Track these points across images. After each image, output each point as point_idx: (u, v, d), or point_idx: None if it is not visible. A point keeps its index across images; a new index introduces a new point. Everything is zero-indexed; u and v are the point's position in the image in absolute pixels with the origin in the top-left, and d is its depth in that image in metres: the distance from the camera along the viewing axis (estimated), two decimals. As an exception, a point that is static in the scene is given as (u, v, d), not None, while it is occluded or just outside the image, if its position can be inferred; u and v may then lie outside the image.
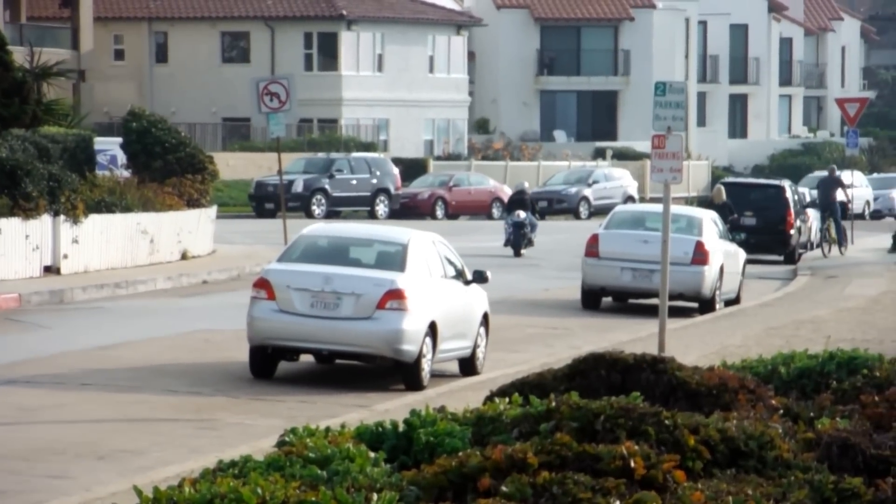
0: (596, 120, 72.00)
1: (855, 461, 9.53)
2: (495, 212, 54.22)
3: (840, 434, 9.73)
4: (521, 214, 36.69)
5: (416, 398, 15.50)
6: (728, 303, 26.39)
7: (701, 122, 75.57)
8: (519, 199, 37.86)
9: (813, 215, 39.13)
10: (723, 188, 33.63)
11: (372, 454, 9.45)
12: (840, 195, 37.16)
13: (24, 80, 27.13)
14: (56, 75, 31.95)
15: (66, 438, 13.41)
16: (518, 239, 36.28)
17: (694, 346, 19.67)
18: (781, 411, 10.81)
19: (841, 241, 36.98)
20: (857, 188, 39.76)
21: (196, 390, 16.12)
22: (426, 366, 16.94)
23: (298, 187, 50.26)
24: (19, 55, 31.59)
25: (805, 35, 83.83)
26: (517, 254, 36.01)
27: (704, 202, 38.23)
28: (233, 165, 53.35)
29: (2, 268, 24.58)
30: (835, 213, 36.89)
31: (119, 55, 63.53)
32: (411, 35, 64.39)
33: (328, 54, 62.62)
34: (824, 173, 41.40)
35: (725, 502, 8.55)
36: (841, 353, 12.91)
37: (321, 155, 53.44)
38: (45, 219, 25.48)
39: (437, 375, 17.45)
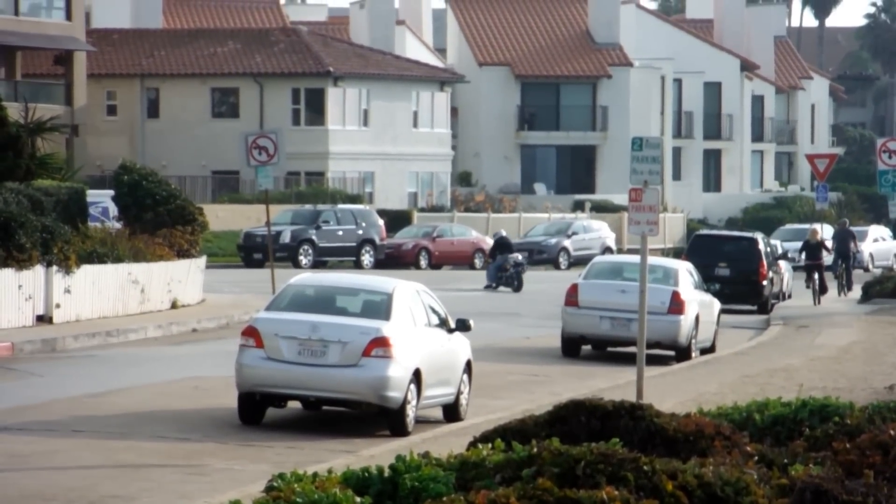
0: (575, 173, 72.63)
1: (828, 507, 9.62)
2: (477, 262, 54.64)
3: (813, 480, 9.83)
4: (519, 256, 39.51)
5: (401, 444, 15.70)
6: (704, 351, 26.77)
7: (676, 175, 76.32)
8: (506, 244, 40.03)
9: (784, 266, 39.84)
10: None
11: (358, 499, 9.58)
12: (852, 246, 39.40)
13: (18, 134, 27.48)
14: (50, 130, 32.37)
15: (57, 485, 13.51)
16: (518, 277, 39.51)
17: (671, 393, 19.94)
18: (756, 458, 10.96)
19: (823, 289, 38.07)
20: (828, 241, 40.85)
21: (185, 436, 16.28)
22: (411, 412, 17.19)
23: (286, 238, 50.63)
24: (14, 111, 32.03)
25: (776, 93, 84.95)
26: (519, 289, 39.08)
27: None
28: (222, 217, 53.70)
29: (-5, 317, 24.92)
30: (847, 259, 38.73)
31: (112, 110, 64.02)
32: (396, 91, 65.01)
33: (315, 109, 63.19)
34: (798, 226, 42.46)
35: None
36: (813, 400, 13.08)
37: (308, 207, 53.82)
38: (38, 269, 25.72)
39: (422, 421, 17.69)
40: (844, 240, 39.60)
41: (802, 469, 10.61)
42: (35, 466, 14.47)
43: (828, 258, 39.61)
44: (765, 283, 36.59)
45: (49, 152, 32.30)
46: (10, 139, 26.73)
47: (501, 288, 41.01)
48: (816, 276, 37.87)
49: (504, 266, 40.89)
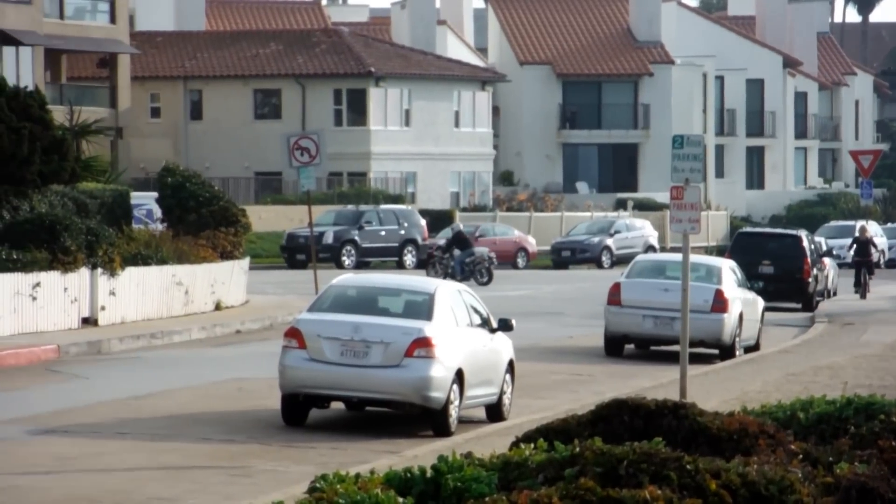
0: (617, 172, 72.49)
1: (874, 505, 9.61)
2: (520, 261, 54.68)
3: (859, 478, 9.81)
4: (486, 251, 41.11)
5: (443, 444, 15.71)
6: (748, 349, 26.66)
7: (719, 173, 76.10)
8: (464, 238, 40.91)
9: (829, 264, 39.66)
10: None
11: (401, 500, 9.58)
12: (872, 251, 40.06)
13: (63, 137, 27.69)
14: (94, 133, 32.68)
15: (103, 487, 13.59)
16: (490, 272, 40.43)
17: (715, 392, 19.89)
18: (801, 456, 10.92)
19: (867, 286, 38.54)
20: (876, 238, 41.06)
21: (230, 438, 16.35)
22: (453, 412, 17.21)
23: (329, 239, 50.77)
24: (59, 114, 32.32)
25: (819, 89, 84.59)
26: (488, 283, 39.85)
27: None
28: (265, 218, 53.93)
29: (41, 320, 25.01)
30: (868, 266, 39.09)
31: (155, 113, 64.39)
32: (437, 91, 65.06)
33: (357, 110, 63.32)
34: (842, 223, 42.65)
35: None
36: (858, 398, 13.02)
37: (350, 207, 53.96)
38: (84, 272, 25.88)
39: (465, 421, 17.72)
40: (865, 246, 39.54)
41: (848, 467, 10.57)
42: (81, 468, 14.55)
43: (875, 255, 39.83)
44: (809, 280, 36.42)
45: (94, 155, 32.57)
46: (55, 142, 26.95)
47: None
48: (865, 272, 37.81)
49: (475, 260, 41.61)
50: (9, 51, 56.03)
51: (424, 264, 43.32)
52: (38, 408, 18.13)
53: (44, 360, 22.84)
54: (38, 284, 24.86)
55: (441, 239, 43.42)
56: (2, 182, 27.00)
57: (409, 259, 52.10)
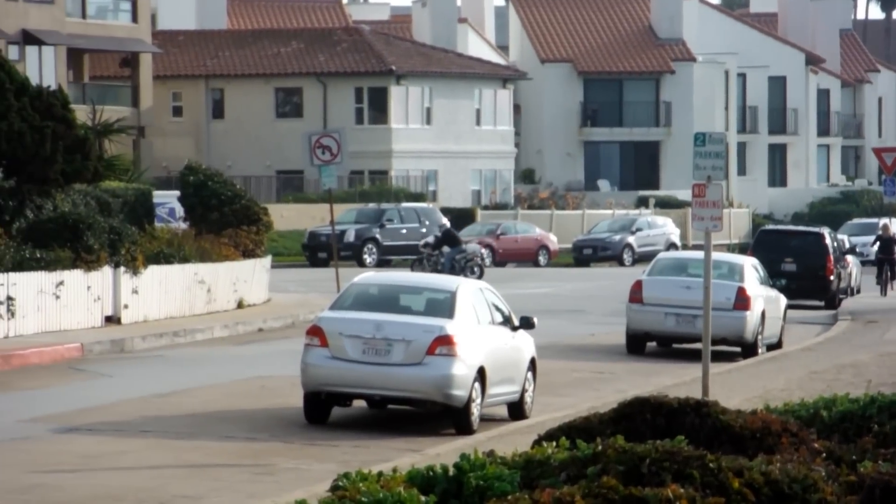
0: (638, 169, 72.43)
1: (898, 504, 9.58)
2: (541, 259, 54.68)
3: (883, 477, 9.74)
4: (477, 247, 41.42)
5: (466, 442, 15.75)
6: (770, 347, 26.61)
7: (741, 170, 75.97)
8: (453, 235, 41.15)
9: (852, 261, 39.55)
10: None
11: (423, 498, 9.59)
12: None
13: (86, 136, 27.78)
14: (117, 132, 32.82)
15: (127, 485, 13.64)
16: (482, 269, 40.39)
17: (737, 390, 19.87)
18: (824, 454, 10.92)
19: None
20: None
21: (252, 436, 16.38)
22: (475, 410, 17.23)
23: (350, 237, 50.84)
24: (82, 113, 32.44)
25: (842, 87, 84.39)
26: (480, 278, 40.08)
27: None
28: (286, 216, 54.05)
29: (65, 318, 25.09)
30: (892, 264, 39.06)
31: (177, 111, 64.58)
32: (459, 89, 65.09)
33: (378, 108, 63.40)
34: (865, 220, 42.51)
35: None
36: (882, 397, 12.99)
37: (372, 205, 54.04)
38: (106, 270, 25.97)
39: (487, 419, 17.73)
40: (888, 243, 39.51)
41: (871, 466, 10.55)
42: (105, 467, 14.61)
43: None
44: (832, 277, 36.34)
45: (116, 154, 32.68)
46: (78, 141, 27.05)
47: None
48: (888, 269, 37.73)
49: (466, 257, 41.86)
50: (32, 50, 56.27)
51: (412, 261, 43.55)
52: (62, 406, 18.20)
53: (67, 358, 22.93)
54: (61, 283, 24.96)
55: (430, 237, 43.70)
56: (25, 181, 27.13)
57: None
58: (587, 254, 56.64)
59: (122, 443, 15.83)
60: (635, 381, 22.00)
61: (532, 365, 18.65)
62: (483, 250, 43.18)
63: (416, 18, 72.41)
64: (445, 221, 45.21)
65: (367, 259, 50.95)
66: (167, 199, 38.05)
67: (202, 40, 66.04)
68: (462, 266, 41.12)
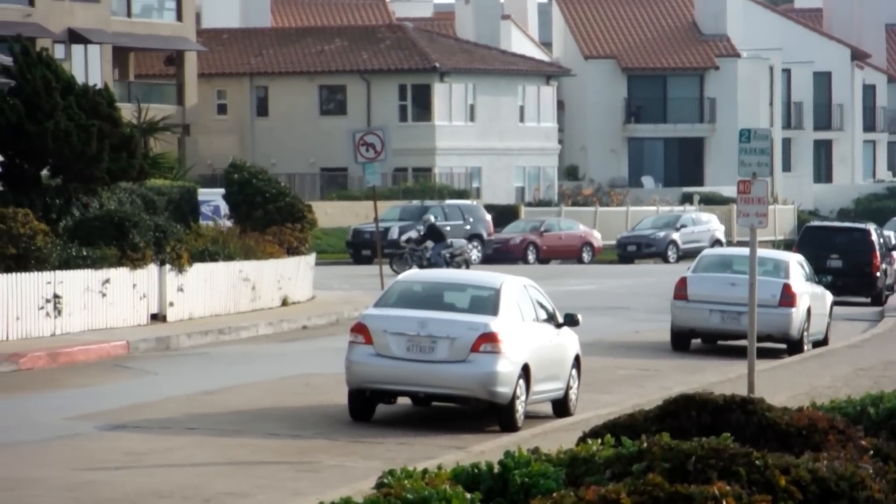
0: (683, 166, 72.19)
1: (946, 500, 9.51)
2: (585, 256, 54.60)
3: None
4: (464, 242, 41.81)
5: (510, 439, 15.78)
6: (816, 344, 26.50)
7: (786, 167, 75.60)
8: (437, 231, 41.19)
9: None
10: None
11: (468, 495, 9.58)
12: None
13: (131, 135, 27.96)
14: (162, 130, 33.02)
15: (172, 482, 13.69)
16: (468, 263, 40.57)
17: (783, 386, 19.80)
18: (871, 452, 10.84)
19: None
20: None
21: (297, 433, 16.42)
22: (520, 407, 17.22)
23: (394, 234, 50.97)
24: (127, 111, 32.68)
25: (888, 82, 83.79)
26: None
27: None
28: (331, 214, 54.19)
29: (111, 316, 25.25)
30: None
31: (222, 109, 64.87)
32: (502, 86, 65.07)
33: (422, 105, 63.46)
34: None
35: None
36: (930, 393, 13.00)
37: (416, 202, 54.13)
38: (152, 268, 26.11)
39: (531, 417, 17.73)
40: None
41: (919, 463, 10.50)
42: (150, 464, 14.69)
43: None
44: (878, 274, 36.15)
45: (161, 152, 32.87)
46: (123, 140, 27.22)
47: None
48: None
49: (454, 252, 41.97)
50: (78, 49, 56.66)
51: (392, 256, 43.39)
52: (108, 404, 18.31)
53: (113, 356, 23.06)
54: (107, 281, 25.11)
55: (412, 232, 43.76)
56: (71, 179, 27.33)
57: (475, 254, 52.17)
58: (631, 250, 56.50)
59: (167, 440, 15.92)
60: (680, 378, 21.94)
61: (576, 362, 18.62)
62: (469, 245, 43.49)
63: (459, 15, 72.42)
64: (430, 217, 45.48)
65: (412, 256, 51.02)
66: (212, 197, 38.22)
67: (246, 38, 66.29)
68: (448, 260, 41.25)
